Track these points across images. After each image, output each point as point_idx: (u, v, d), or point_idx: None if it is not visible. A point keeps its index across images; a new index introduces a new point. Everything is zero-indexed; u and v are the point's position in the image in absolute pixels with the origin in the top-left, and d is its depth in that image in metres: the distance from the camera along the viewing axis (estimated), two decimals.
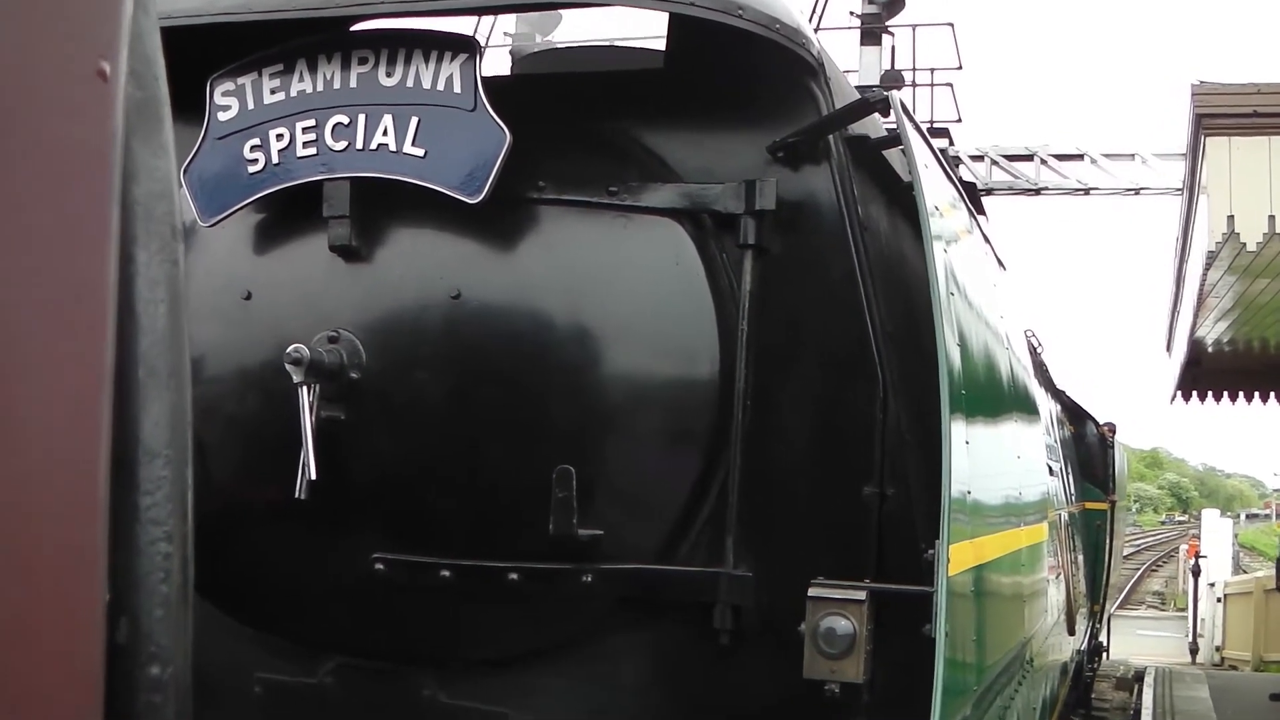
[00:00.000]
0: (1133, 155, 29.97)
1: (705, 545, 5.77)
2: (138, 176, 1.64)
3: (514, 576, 5.76)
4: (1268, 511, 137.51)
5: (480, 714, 6.03)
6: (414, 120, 5.62)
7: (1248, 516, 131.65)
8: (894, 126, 6.03)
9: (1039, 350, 14.60)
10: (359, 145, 5.69)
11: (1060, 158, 30.07)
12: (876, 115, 6.09)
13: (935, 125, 18.96)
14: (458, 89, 5.58)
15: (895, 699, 5.32)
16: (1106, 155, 30.04)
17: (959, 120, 22.41)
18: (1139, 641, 34.02)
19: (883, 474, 5.71)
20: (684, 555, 5.80)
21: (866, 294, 5.69)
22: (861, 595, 5.37)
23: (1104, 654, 26.45)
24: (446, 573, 5.82)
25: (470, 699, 6.05)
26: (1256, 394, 25.96)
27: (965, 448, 5.63)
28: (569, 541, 5.56)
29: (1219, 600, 31.94)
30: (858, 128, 5.96)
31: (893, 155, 6.30)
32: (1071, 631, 15.02)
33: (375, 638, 6.14)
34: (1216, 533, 37.44)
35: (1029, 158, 29.91)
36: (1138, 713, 20.31)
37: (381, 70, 5.68)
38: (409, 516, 5.91)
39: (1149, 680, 23.13)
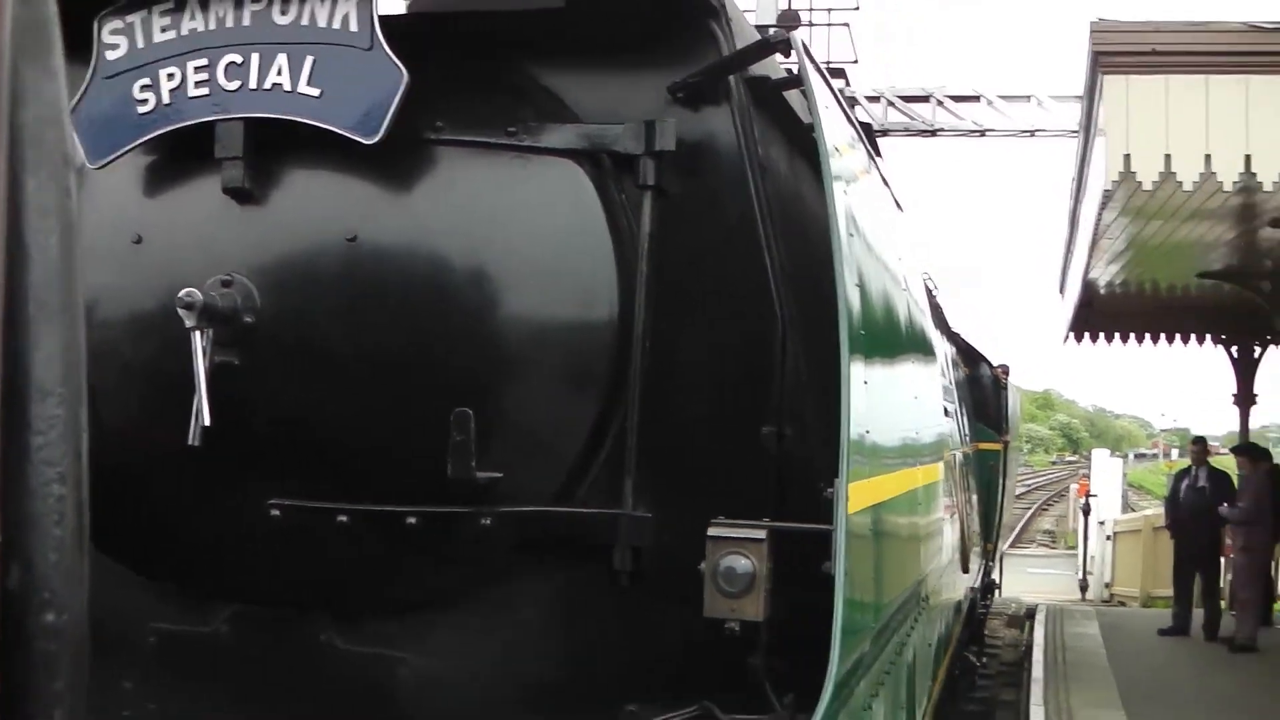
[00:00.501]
0: (1029, 97, 30.22)
1: (604, 487, 5.76)
2: (26, 100, 1.58)
3: (412, 521, 5.69)
4: (1155, 451, 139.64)
5: (379, 659, 5.99)
6: (309, 59, 5.52)
7: (1136, 456, 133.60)
8: (793, 67, 6.02)
9: (934, 292, 14.70)
10: (253, 85, 5.58)
11: (957, 99, 30.28)
12: (777, 55, 6.06)
13: (832, 66, 19.02)
14: (354, 27, 5.50)
15: (796, 636, 5.35)
16: (1003, 97, 30.29)
17: (855, 61, 22.48)
18: (1031, 579, 34.43)
19: (782, 414, 5.72)
20: (583, 497, 5.79)
21: (766, 235, 5.69)
22: (761, 534, 5.40)
23: (997, 592, 26.77)
24: (344, 518, 5.75)
25: (369, 644, 6.00)
26: (1147, 335, 26.25)
27: (864, 388, 5.66)
28: (467, 485, 5.52)
29: (1108, 538, 32.35)
30: (758, 68, 5.94)
31: (792, 96, 6.28)
32: (965, 570, 15.21)
33: (271, 585, 6.06)
34: (1106, 472, 37.96)
35: (925, 99, 30.09)
36: (1029, 649, 20.57)
37: (275, 8, 5.58)
38: (305, 462, 5.82)
39: (1040, 617, 23.40)
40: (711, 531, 5.42)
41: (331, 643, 6.03)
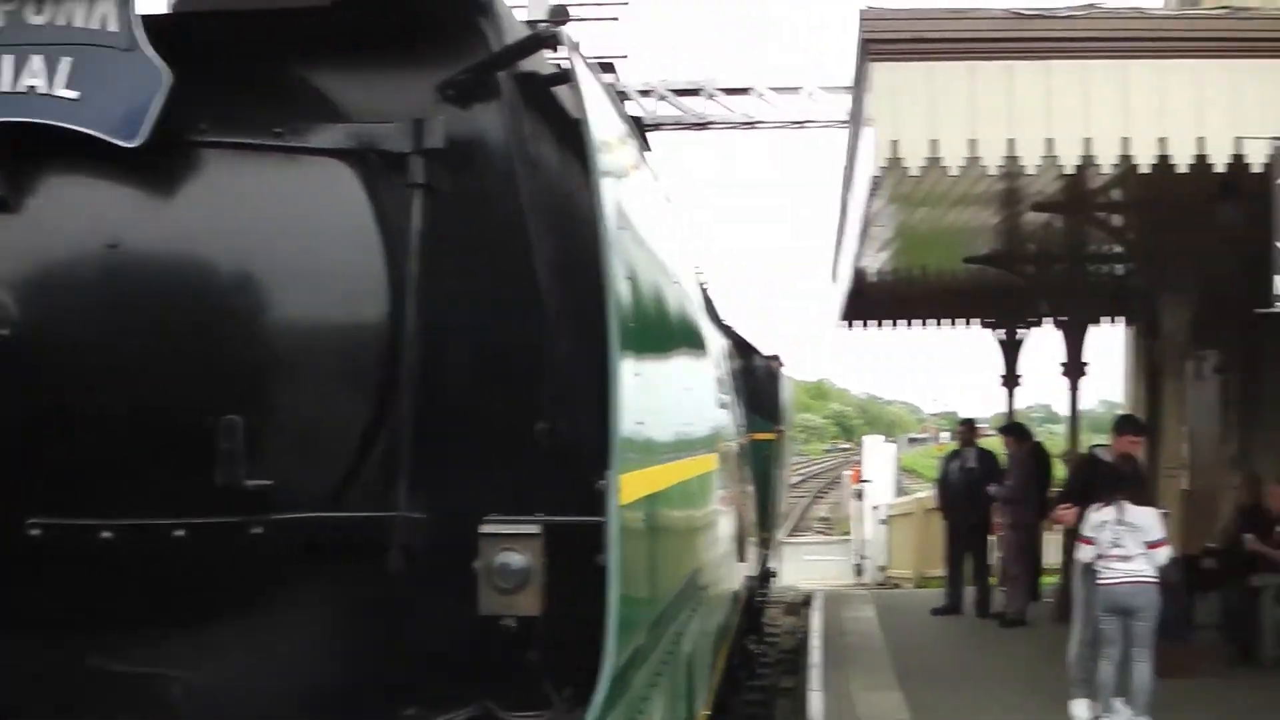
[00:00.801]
0: (798, 89, 30.57)
1: (378, 489, 5.71)
2: None
3: (180, 533, 5.53)
4: (927, 435, 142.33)
5: (151, 680, 5.83)
6: (66, 61, 5.37)
7: (910, 440, 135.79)
8: (563, 62, 6.05)
9: (706, 285, 14.81)
10: (5, 88, 5.41)
11: (728, 91, 30.53)
12: (545, 51, 6.08)
13: (602, 60, 19.07)
14: (113, 27, 5.37)
15: (573, 630, 5.36)
16: (773, 89, 30.60)
17: (625, 56, 22.56)
18: (808, 566, 34.84)
19: (554, 408, 5.74)
20: (357, 500, 5.73)
21: (536, 231, 5.70)
22: (534, 529, 5.40)
23: (774, 580, 27.06)
24: (108, 534, 5.54)
25: (141, 665, 5.81)
26: (917, 321, 26.77)
27: (635, 380, 5.70)
28: (237, 494, 5.43)
29: (882, 522, 32.90)
30: (527, 64, 5.95)
31: (563, 91, 6.30)
32: (743, 559, 15.35)
33: (35, 609, 5.84)
34: (879, 457, 38.51)
35: (696, 92, 30.28)
36: (807, 635, 20.84)
37: (29, 8, 5.43)
38: (67, 477, 5.60)
39: (817, 603, 23.75)
40: (484, 529, 5.40)
41: (101, 666, 5.85)
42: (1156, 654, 13.12)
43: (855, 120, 13.63)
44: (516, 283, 5.71)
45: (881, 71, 11.23)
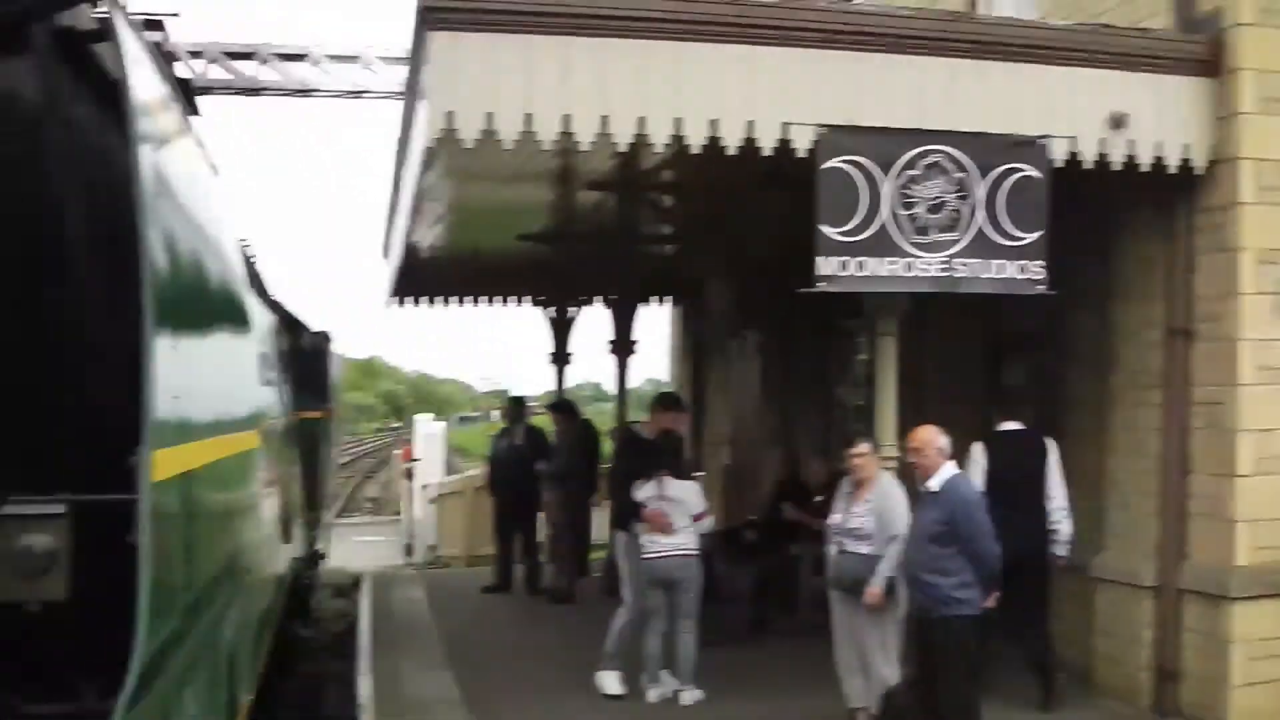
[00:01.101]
0: (356, 58, 30.36)
1: None
2: None
3: None
4: (477, 414, 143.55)
5: None
6: None
7: (462, 419, 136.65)
8: (105, 17, 5.77)
9: (253, 259, 14.50)
10: None
11: (284, 57, 30.10)
12: (85, 6, 5.79)
13: (150, 17, 18.45)
14: None
15: (105, 613, 5.11)
16: (330, 57, 30.32)
17: (176, 15, 21.91)
18: (358, 547, 34.69)
19: (85, 381, 5.48)
20: None
21: (68, 196, 5.43)
22: (60, 509, 5.17)
23: (323, 562, 26.80)
24: None
25: None
26: (469, 299, 26.78)
27: (172, 354, 5.45)
28: None
29: (432, 501, 32.92)
30: (66, 18, 5.67)
31: (103, 48, 6.01)
32: (288, 540, 15.11)
33: None
34: (429, 437, 38.56)
35: (250, 56, 29.77)
36: (357, 618, 20.68)
37: None
38: None
39: (366, 585, 23.60)
40: (4, 510, 5.13)
41: None
42: (700, 624, 13.47)
43: (412, 91, 13.44)
44: (46, 249, 5.43)
45: (439, 41, 11.06)
